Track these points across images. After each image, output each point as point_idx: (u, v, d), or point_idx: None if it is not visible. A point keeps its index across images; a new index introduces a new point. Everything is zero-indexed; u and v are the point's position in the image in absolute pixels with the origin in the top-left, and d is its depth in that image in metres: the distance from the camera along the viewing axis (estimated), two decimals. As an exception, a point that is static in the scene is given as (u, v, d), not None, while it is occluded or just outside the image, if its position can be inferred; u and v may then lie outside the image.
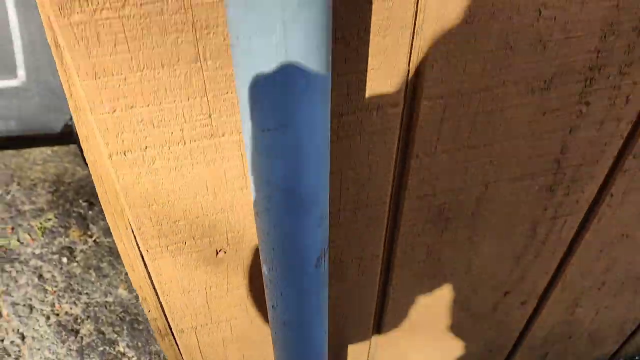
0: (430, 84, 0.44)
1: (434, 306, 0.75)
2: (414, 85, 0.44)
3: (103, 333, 1.19)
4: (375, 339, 0.77)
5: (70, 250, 1.34)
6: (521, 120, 0.50)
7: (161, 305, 0.60)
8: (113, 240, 1.38)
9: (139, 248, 0.50)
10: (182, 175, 0.43)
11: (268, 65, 0.30)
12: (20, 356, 1.14)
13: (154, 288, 0.56)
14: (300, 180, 0.37)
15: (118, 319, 1.21)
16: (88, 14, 0.32)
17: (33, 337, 1.17)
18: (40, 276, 1.29)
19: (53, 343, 1.16)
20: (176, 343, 0.70)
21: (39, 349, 1.15)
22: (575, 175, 0.60)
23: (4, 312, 1.22)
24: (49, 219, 1.41)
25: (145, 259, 0.51)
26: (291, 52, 0.30)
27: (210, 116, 0.40)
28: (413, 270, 0.65)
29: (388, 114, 0.45)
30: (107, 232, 1.39)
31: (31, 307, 1.23)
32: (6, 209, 1.44)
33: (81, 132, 0.40)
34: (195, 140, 0.41)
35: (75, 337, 1.18)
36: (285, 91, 0.31)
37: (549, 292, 0.83)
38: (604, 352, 1.12)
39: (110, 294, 1.26)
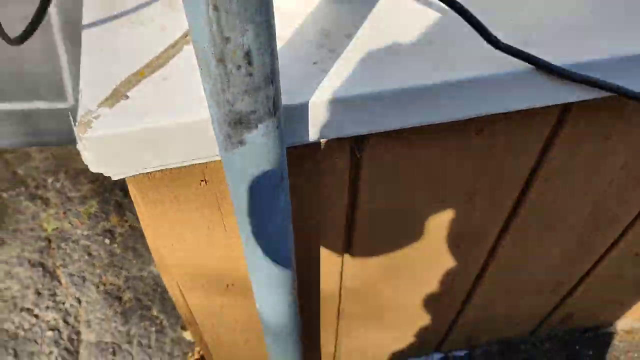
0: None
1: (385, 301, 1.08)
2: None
3: (140, 300, 1.54)
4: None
5: (111, 233, 1.68)
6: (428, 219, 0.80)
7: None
8: (145, 226, 1.71)
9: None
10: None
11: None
12: (78, 315, 1.50)
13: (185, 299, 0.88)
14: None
15: (151, 290, 1.56)
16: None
17: (87, 302, 1.53)
18: (89, 254, 1.63)
19: (102, 307, 1.52)
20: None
21: (92, 311, 1.51)
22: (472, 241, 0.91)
23: (63, 281, 1.57)
24: (92, 206, 1.74)
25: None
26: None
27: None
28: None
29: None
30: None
31: (84, 278, 1.58)
32: (58, 195, 1.76)
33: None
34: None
35: (119, 303, 1.53)
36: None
37: (470, 298, 1.15)
38: (524, 330, 1.45)
39: (144, 270, 1.60)
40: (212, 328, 1.01)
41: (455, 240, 0.89)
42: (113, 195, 1.76)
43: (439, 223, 0.83)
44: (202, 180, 0.62)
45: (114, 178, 0.56)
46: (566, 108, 0.66)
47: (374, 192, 0.72)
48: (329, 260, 0.87)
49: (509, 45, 0.53)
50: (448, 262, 0.96)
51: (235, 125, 0.43)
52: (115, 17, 0.60)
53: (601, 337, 1.51)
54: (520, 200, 0.84)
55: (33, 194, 1.76)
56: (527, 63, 0.54)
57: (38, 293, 1.53)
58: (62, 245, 1.64)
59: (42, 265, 1.59)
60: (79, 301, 1.52)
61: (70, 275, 1.58)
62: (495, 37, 0.52)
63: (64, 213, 1.71)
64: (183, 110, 0.51)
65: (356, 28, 0.59)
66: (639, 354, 1.47)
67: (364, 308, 1.09)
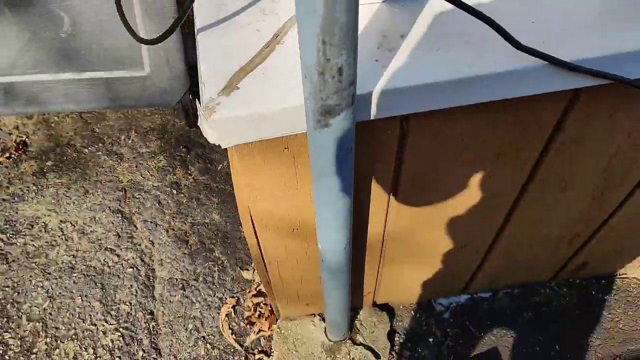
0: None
1: (421, 248, 1.27)
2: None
3: (204, 243, 1.78)
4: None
5: (177, 184, 1.91)
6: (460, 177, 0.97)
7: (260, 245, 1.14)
8: (207, 178, 1.93)
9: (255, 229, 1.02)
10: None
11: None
12: (152, 255, 1.75)
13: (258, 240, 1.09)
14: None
15: (213, 234, 1.79)
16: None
17: (159, 244, 1.78)
18: (159, 202, 1.87)
19: (172, 248, 1.76)
20: (265, 265, 1.25)
21: (164, 252, 1.76)
22: (497, 196, 1.07)
23: (139, 226, 1.82)
24: (160, 160, 1.97)
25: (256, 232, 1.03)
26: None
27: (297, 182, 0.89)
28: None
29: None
30: (202, 171, 1.94)
31: (155, 224, 1.82)
32: (130, 151, 2.00)
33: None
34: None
35: (186, 245, 1.77)
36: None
37: (492, 247, 1.33)
38: (543, 277, 1.63)
39: (207, 217, 1.83)
40: (277, 265, 1.23)
41: (483, 198, 1.06)
42: (178, 151, 1.99)
43: (469, 183, 1.00)
44: (284, 148, 0.81)
45: (224, 146, 0.75)
46: (577, 91, 0.81)
47: (416, 156, 0.90)
48: (377, 208, 1.05)
49: (529, 47, 0.68)
50: (476, 215, 1.13)
51: (325, 113, 0.61)
52: (221, 22, 0.78)
53: (616, 284, 1.67)
54: (539, 162, 0.99)
55: (109, 150, 1.99)
56: (543, 60, 0.69)
57: (118, 235, 1.79)
58: (136, 194, 1.88)
59: (120, 212, 1.84)
60: (152, 243, 1.77)
61: (144, 221, 1.82)
62: (517, 41, 0.68)
63: (136, 167, 1.95)
64: (277, 99, 0.69)
65: (408, 30, 0.75)
66: (649, 301, 1.63)
67: (402, 252, 1.28)
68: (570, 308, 1.62)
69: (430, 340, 1.57)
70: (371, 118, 0.73)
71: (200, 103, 0.71)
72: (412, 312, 1.62)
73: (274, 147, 0.80)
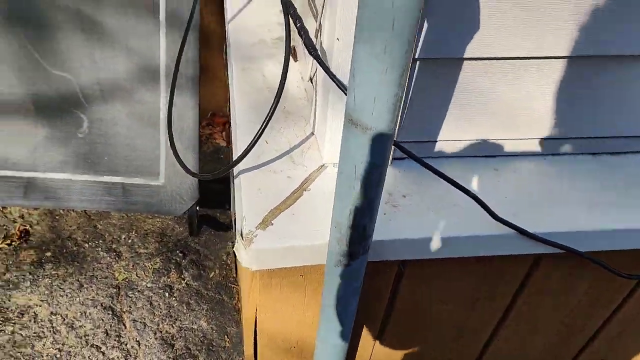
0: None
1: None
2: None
3: (189, 349, 1.83)
4: None
5: (170, 287, 2.00)
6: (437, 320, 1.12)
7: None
8: (199, 284, 2.03)
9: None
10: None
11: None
12: (137, 356, 1.79)
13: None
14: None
15: (199, 341, 1.85)
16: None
17: (146, 345, 1.82)
18: (151, 303, 1.94)
19: (158, 351, 1.81)
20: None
21: (149, 354, 1.80)
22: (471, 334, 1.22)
23: (127, 325, 1.87)
24: (156, 262, 2.07)
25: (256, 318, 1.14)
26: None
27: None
28: None
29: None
30: (195, 277, 2.04)
31: (144, 324, 1.88)
32: (128, 250, 2.10)
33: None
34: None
35: (172, 349, 1.82)
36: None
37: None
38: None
39: (195, 323, 1.90)
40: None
41: (459, 332, 1.20)
42: (174, 255, 2.10)
43: (449, 321, 1.14)
44: (300, 275, 0.96)
45: (253, 270, 0.89)
46: (539, 255, 0.99)
47: (408, 294, 1.05)
48: (364, 344, 1.18)
49: (504, 219, 0.87)
50: (453, 347, 1.26)
51: (346, 256, 0.77)
52: (259, 167, 0.97)
53: None
54: (509, 309, 1.15)
55: (109, 247, 2.10)
56: (514, 230, 0.88)
57: (106, 333, 1.83)
58: (129, 293, 1.96)
59: (111, 309, 1.90)
60: (139, 344, 1.82)
61: (134, 320, 1.88)
62: (494, 213, 0.87)
63: (133, 266, 2.04)
64: (305, 237, 0.85)
65: (409, 191, 0.95)
66: None
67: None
68: None
69: None
70: (376, 260, 0.90)
71: (237, 232, 0.87)
72: None
73: (291, 273, 0.95)
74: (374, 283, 1.01)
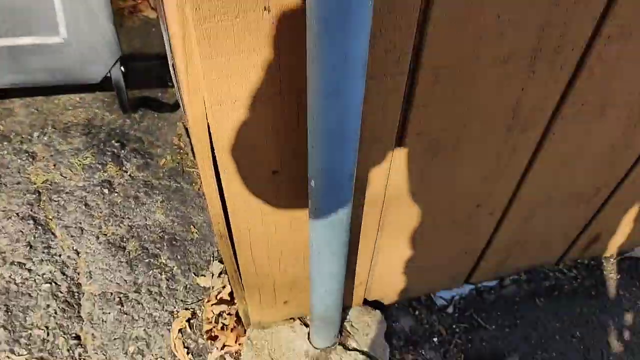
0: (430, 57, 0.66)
1: (424, 213, 1.01)
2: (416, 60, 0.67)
3: (147, 249, 1.42)
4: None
5: (110, 183, 1.56)
6: (489, 84, 0.74)
7: (225, 211, 0.83)
8: (147, 174, 1.59)
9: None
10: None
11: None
12: (77, 267, 1.37)
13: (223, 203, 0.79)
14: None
15: (158, 237, 1.45)
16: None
17: (87, 253, 1.40)
18: (86, 204, 1.50)
19: (105, 257, 1.40)
20: (232, 242, 0.94)
21: (93, 262, 1.38)
22: (527, 120, 0.85)
23: (58, 234, 1.44)
24: (87, 157, 1.61)
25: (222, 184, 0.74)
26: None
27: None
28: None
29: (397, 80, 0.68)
30: (140, 168, 1.60)
31: (82, 229, 1.45)
32: (45, 148, 1.63)
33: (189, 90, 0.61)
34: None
35: (124, 252, 1.41)
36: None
37: (511, 205, 1.10)
38: (552, 256, 1.41)
39: (149, 218, 1.49)
40: (248, 239, 0.92)
41: (509, 119, 0.83)
42: (109, 147, 1.64)
43: (498, 90, 0.76)
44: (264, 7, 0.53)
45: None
46: None
47: (440, 41, 0.65)
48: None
49: None
50: (498, 154, 0.90)
51: None
52: None
53: (625, 262, 1.49)
54: (579, 67, 0.78)
55: (17, 149, 1.61)
56: None
57: (30, 246, 1.39)
58: (54, 197, 1.51)
59: (32, 218, 1.46)
60: (77, 253, 1.40)
61: (66, 227, 1.45)
62: None
63: (54, 165, 1.58)
64: None
65: None
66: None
67: (403, 218, 1.02)
68: (584, 289, 1.41)
69: (435, 340, 1.29)
70: None
71: None
72: (409, 309, 1.34)
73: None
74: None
